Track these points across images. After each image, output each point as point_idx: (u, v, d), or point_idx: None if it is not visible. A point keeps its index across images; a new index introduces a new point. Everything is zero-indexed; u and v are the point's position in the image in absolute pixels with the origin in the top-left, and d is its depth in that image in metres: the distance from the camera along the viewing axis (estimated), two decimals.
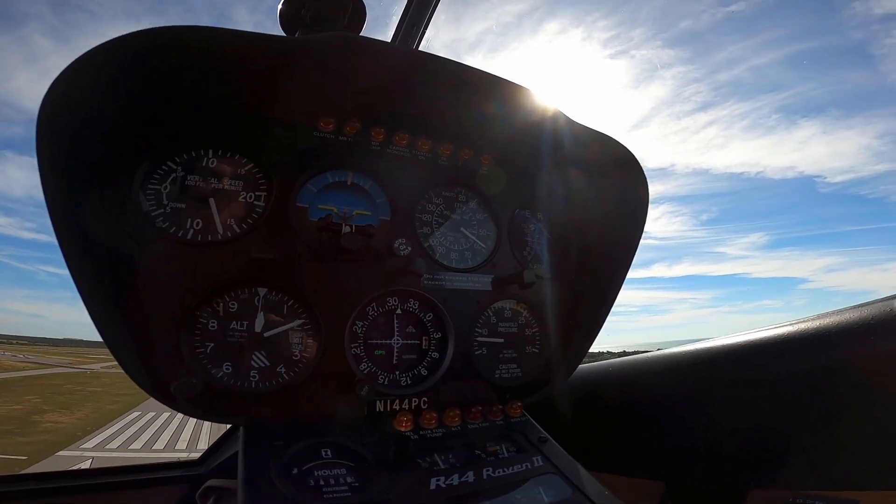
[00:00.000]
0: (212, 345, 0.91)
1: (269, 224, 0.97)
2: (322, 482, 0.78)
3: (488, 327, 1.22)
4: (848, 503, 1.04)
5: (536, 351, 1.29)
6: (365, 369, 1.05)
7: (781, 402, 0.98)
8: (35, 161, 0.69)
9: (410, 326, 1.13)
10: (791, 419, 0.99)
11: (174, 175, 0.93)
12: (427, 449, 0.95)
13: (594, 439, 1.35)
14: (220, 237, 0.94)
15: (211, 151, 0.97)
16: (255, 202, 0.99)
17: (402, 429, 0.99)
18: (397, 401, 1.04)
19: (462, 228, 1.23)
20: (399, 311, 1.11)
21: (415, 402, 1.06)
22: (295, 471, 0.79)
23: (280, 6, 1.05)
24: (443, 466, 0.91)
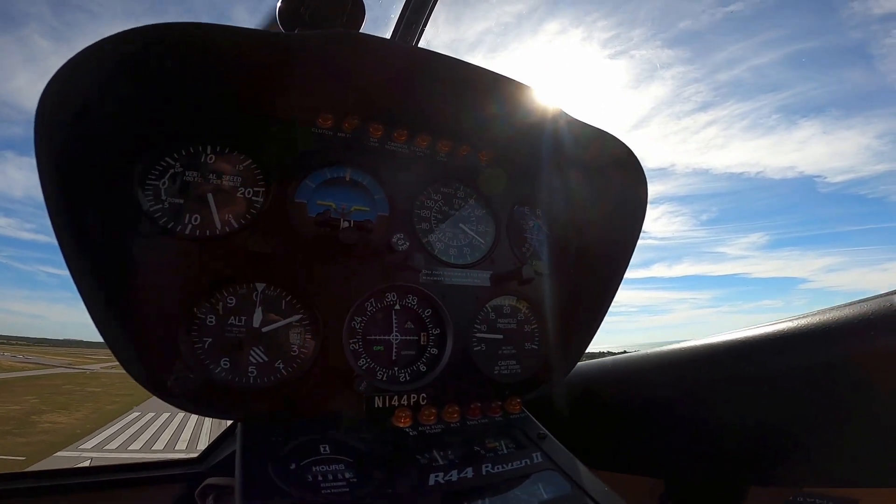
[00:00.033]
0: (210, 340, 0.90)
1: (267, 219, 0.97)
2: (320, 478, 0.78)
3: (487, 323, 1.21)
4: (848, 501, 1.03)
5: (535, 347, 1.28)
6: (363, 365, 1.05)
7: (781, 398, 0.97)
8: (35, 161, 0.69)
9: (409, 322, 1.12)
10: (791, 416, 0.99)
11: (172, 171, 0.93)
12: (426, 445, 0.95)
13: (593, 436, 1.35)
14: (218, 232, 0.93)
15: (209, 148, 0.97)
16: (254, 198, 0.99)
17: (401, 425, 0.99)
18: (396, 397, 1.03)
19: (461, 224, 1.23)
20: (398, 307, 1.11)
21: (413, 398, 1.05)
22: (293, 466, 0.78)
23: (279, 4, 1.05)
24: (441, 462, 0.90)
